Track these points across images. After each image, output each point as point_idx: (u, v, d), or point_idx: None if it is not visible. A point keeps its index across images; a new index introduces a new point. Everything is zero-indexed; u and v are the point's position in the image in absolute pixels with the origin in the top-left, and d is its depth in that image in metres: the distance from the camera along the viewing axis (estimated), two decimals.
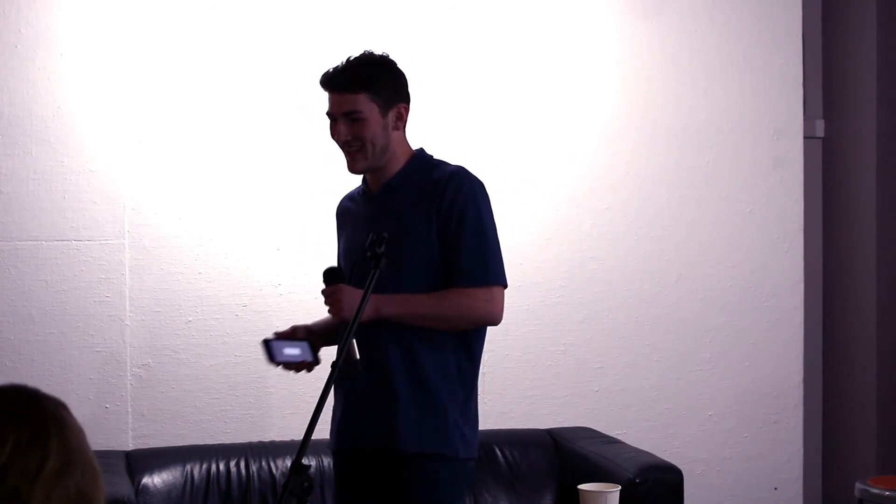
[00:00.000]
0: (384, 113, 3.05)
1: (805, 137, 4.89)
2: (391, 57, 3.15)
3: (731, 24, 4.75)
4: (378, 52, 3.14)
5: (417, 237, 3.01)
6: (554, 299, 4.58)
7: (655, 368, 4.70)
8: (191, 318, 4.26)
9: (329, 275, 3.03)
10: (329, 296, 3.00)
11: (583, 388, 4.63)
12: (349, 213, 3.24)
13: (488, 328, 3.14)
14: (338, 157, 4.39)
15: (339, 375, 2.85)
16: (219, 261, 4.28)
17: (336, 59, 4.35)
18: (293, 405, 4.32)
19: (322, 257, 4.34)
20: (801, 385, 4.85)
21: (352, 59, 3.09)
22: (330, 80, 3.08)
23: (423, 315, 2.99)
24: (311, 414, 2.95)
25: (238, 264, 4.30)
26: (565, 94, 4.60)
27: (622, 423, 4.63)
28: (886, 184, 4.94)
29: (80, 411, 4.18)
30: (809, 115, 5.04)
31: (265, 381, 4.33)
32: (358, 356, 2.90)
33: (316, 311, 4.36)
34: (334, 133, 3.08)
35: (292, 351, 3.01)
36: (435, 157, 3.16)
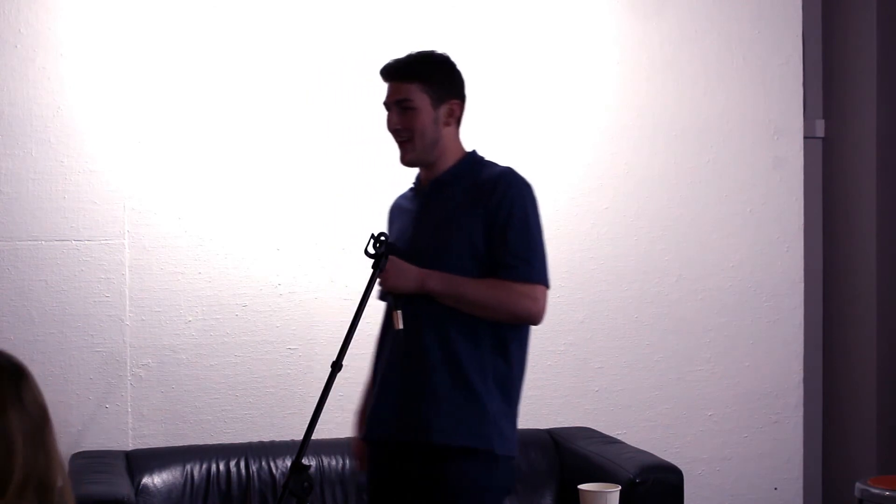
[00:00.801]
0: (435, 106, 3.10)
1: (805, 137, 4.89)
2: (446, 54, 3.21)
3: (731, 24, 4.75)
4: (439, 51, 3.21)
5: (463, 234, 3.04)
6: (554, 299, 4.54)
7: (655, 368, 4.70)
8: (191, 318, 4.26)
9: (377, 242, 3.06)
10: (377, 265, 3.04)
11: (583, 388, 4.63)
12: (400, 210, 3.28)
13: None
14: (338, 157, 4.40)
15: (382, 355, 3.03)
16: (219, 261, 4.28)
17: (335, 60, 4.37)
18: (293, 405, 4.32)
19: (322, 257, 4.36)
20: (801, 385, 4.85)
21: (409, 53, 3.17)
22: (386, 70, 3.15)
23: (465, 297, 3.00)
24: (311, 414, 2.95)
25: (238, 264, 4.30)
26: (565, 94, 4.60)
27: (622, 423, 4.64)
28: (886, 184, 4.94)
29: (80, 411, 4.23)
30: (809, 115, 5.04)
31: (265, 381, 4.33)
32: (401, 327, 2.96)
33: (316, 311, 4.38)
34: (387, 122, 3.14)
35: None
36: (486, 158, 3.19)
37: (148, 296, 4.22)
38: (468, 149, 3.19)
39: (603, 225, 4.64)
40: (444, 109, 3.11)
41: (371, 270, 3.06)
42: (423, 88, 3.08)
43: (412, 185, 3.26)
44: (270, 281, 4.32)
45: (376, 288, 3.09)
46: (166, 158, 4.24)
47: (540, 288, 3.04)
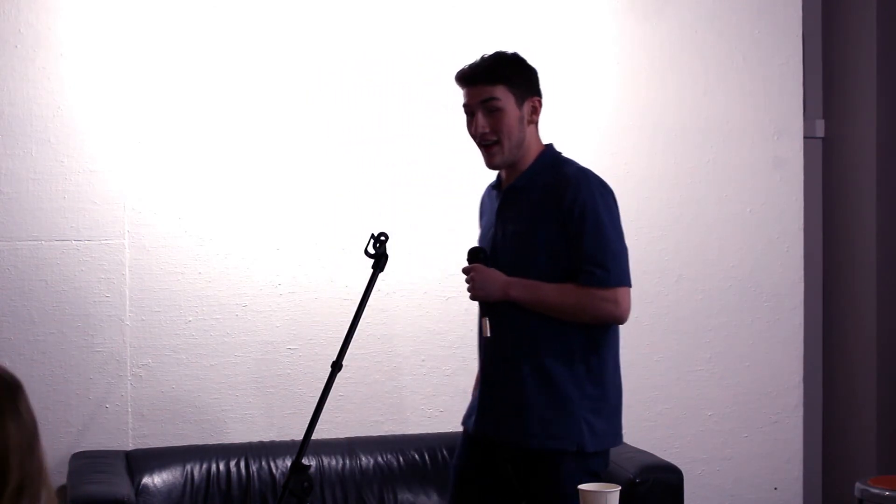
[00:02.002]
0: (520, 104, 3.11)
1: (805, 137, 4.89)
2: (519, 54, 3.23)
3: (731, 24, 4.75)
4: (510, 51, 3.22)
5: (540, 236, 3.07)
6: None
7: (655, 368, 4.70)
8: (191, 318, 4.26)
9: (472, 254, 3.12)
10: (466, 273, 3.09)
11: None
12: (484, 204, 3.33)
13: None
14: (338, 157, 4.40)
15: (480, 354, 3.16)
16: (219, 261, 4.28)
17: (335, 60, 4.37)
18: (293, 405, 4.32)
19: (322, 257, 4.35)
20: (801, 385, 4.85)
21: (485, 55, 3.17)
22: (467, 75, 3.13)
23: (547, 304, 3.05)
24: (311, 414, 2.95)
25: (238, 264, 4.30)
26: (565, 95, 4.60)
27: (622, 423, 4.63)
28: (886, 184, 4.94)
29: (80, 411, 4.22)
30: (809, 115, 5.04)
31: (265, 381, 4.33)
32: (489, 334, 3.03)
33: (316, 311, 4.37)
34: (471, 127, 3.12)
35: None
36: (563, 155, 3.22)
37: (148, 296, 4.22)
38: (545, 141, 3.21)
39: None
40: (527, 107, 3.13)
41: (371, 270, 3.06)
42: (507, 88, 3.09)
43: (495, 181, 3.29)
44: (270, 281, 4.32)
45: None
46: (166, 158, 4.24)
47: (621, 290, 3.07)
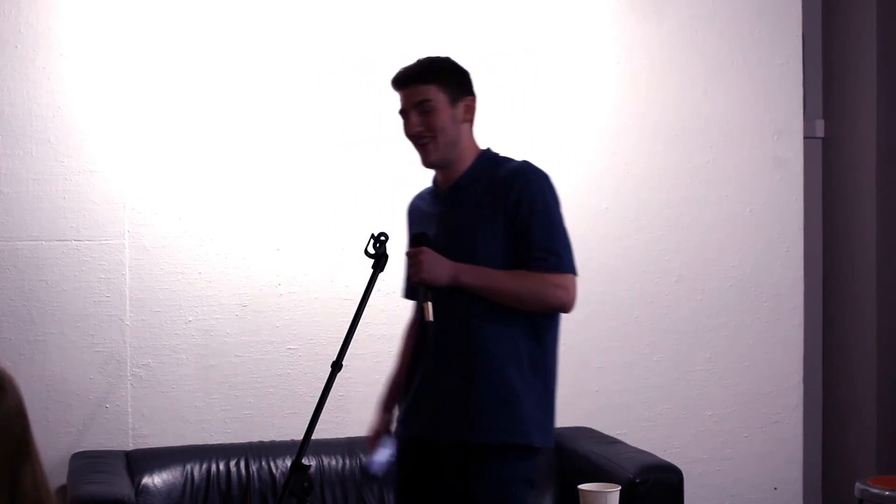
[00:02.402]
0: (453, 104, 3.13)
1: (805, 137, 4.89)
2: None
3: (731, 24, 4.75)
4: (443, 56, 3.24)
5: (487, 233, 3.07)
6: None
7: (655, 368, 4.70)
8: (191, 318, 4.26)
9: (417, 239, 3.10)
10: (412, 257, 3.06)
11: (583, 388, 4.63)
12: (419, 212, 3.29)
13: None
14: (338, 157, 4.40)
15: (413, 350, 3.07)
16: (219, 261, 4.28)
17: (335, 60, 4.38)
18: (293, 405, 4.32)
19: (322, 257, 4.36)
20: (801, 385, 4.85)
21: (418, 59, 3.21)
22: (400, 77, 3.17)
23: (498, 289, 3.04)
24: (311, 414, 2.95)
25: (238, 264, 4.30)
26: (565, 95, 4.60)
27: (622, 423, 4.63)
28: (886, 184, 4.94)
29: (80, 411, 4.22)
30: (809, 115, 5.04)
31: (265, 381, 4.33)
32: (431, 318, 2.97)
33: (316, 311, 4.38)
34: (407, 128, 3.15)
35: (382, 456, 3.20)
36: (501, 155, 3.22)
37: (148, 296, 4.22)
38: (482, 146, 3.21)
39: (603, 225, 4.64)
40: (461, 107, 3.14)
41: (371, 270, 3.06)
42: (440, 88, 3.11)
43: (430, 187, 3.28)
44: (270, 281, 4.32)
45: (403, 283, 3.16)
46: (166, 158, 4.24)
47: (570, 277, 3.09)
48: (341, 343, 2.99)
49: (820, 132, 5.13)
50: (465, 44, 4.49)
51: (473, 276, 3.02)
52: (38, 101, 4.13)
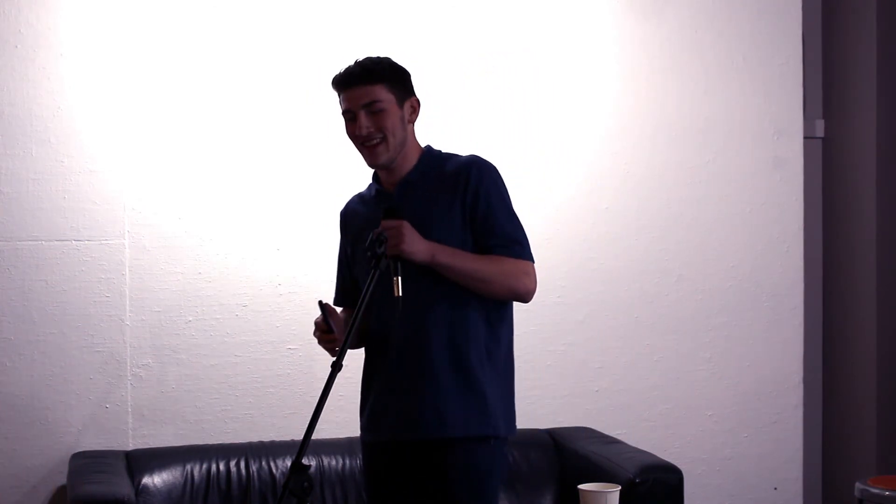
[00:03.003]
0: (400, 104, 3.12)
1: (805, 137, 4.89)
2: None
3: (731, 24, 4.75)
4: (381, 55, 3.20)
5: (443, 226, 3.07)
6: (554, 299, 4.58)
7: (655, 368, 4.70)
8: (191, 318, 4.26)
9: (390, 212, 3.04)
10: (392, 228, 2.99)
11: (583, 388, 4.63)
12: (359, 216, 3.27)
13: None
14: (338, 157, 4.40)
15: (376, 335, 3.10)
16: (219, 261, 4.28)
17: (335, 60, 4.36)
18: (293, 405, 4.32)
19: (322, 257, 4.35)
20: (801, 385, 4.85)
21: (359, 59, 3.17)
22: (346, 78, 3.14)
23: (471, 271, 3.04)
24: (311, 414, 2.95)
25: (238, 264, 4.30)
26: (565, 95, 4.60)
27: (622, 423, 4.63)
28: (886, 184, 4.94)
29: (80, 411, 4.22)
30: (809, 115, 5.04)
31: (265, 381, 4.33)
32: (400, 294, 2.94)
33: (316, 311, 4.36)
34: (353, 130, 3.12)
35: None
36: (444, 151, 3.22)
37: (148, 296, 4.22)
38: (422, 144, 3.21)
39: (603, 225, 4.64)
40: (406, 107, 3.13)
41: (371, 270, 3.05)
42: (388, 88, 3.10)
43: (370, 189, 3.27)
44: (270, 281, 4.32)
45: (336, 288, 3.19)
46: (166, 158, 4.24)
47: (531, 264, 3.12)
48: (341, 343, 2.99)
49: (820, 132, 5.13)
50: (464, 44, 4.50)
51: (449, 255, 3.02)
52: (38, 101, 4.13)
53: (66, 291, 4.16)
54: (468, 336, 3.06)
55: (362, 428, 3.21)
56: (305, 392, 4.30)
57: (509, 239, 3.08)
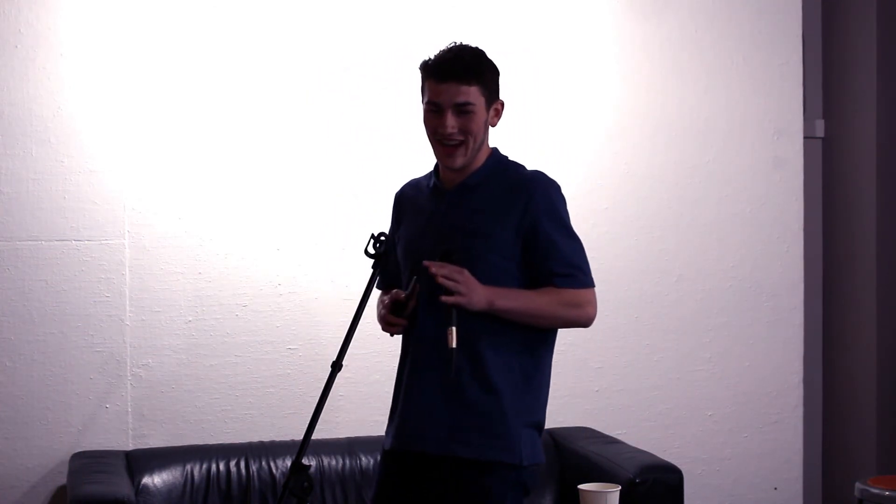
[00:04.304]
0: (488, 108, 3.00)
1: (805, 137, 4.89)
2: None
3: (731, 24, 4.75)
4: (475, 46, 3.05)
5: (492, 239, 2.96)
6: None
7: (655, 368, 4.71)
8: (191, 318, 4.26)
9: (446, 255, 2.93)
10: (452, 278, 2.88)
11: (583, 388, 4.63)
12: (413, 204, 3.15)
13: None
14: (338, 157, 4.40)
15: (416, 367, 2.99)
16: (219, 261, 4.28)
17: (335, 60, 4.37)
18: (293, 405, 4.32)
19: (322, 257, 4.35)
20: (801, 385, 4.85)
21: (457, 48, 3.01)
22: (441, 71, 2.95)
23: (532, 312, 2.95)
24: (311, 414, 2.95)
25: (238, 264, 4.30)
26: (565, 95, 4.60)
27: (622, 423, 4.64)
28: (886, 184, 4.94)
29: (80, 411, 4.22)
30: (809, 115, 5.04)
31: (265, 381, 4.33)
32: (454, 346, 2.86)
33: (316, 311, 4.38)
34: (436, 124, 2.97)
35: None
36: (509, 158, 3.12)
37: (148, 296, 4.22)
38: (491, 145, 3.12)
39: (603, 225, 4.64)
40: (492, 111, 3.02)
41: (371, 270, 3.06)
42: (482, 91, 2.96)
43: (429, 178, 3.14)
44: (270, 281, 4.32)
45: (380, 275, 3.06)
46: (166, 158, 4.24)
47: (593, 291, 3.02)
48: (341, 343, 2.99)
49: (820, 132, 5.13)
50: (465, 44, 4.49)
51: (507, 299, 2.92)
52: (38, 101, 4.13)
53: (66, 291, 4.16)
54: (501, 362, 2.96)
55: (386, 433, 3.14)
56: (305, 392, 4.30)
57: (570, 265, 2.97)
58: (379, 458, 3.20)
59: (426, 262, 2.90)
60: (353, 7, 4.39)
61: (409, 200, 3.17)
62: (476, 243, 2.96)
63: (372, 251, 3.04)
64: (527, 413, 3.00)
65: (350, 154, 4.40)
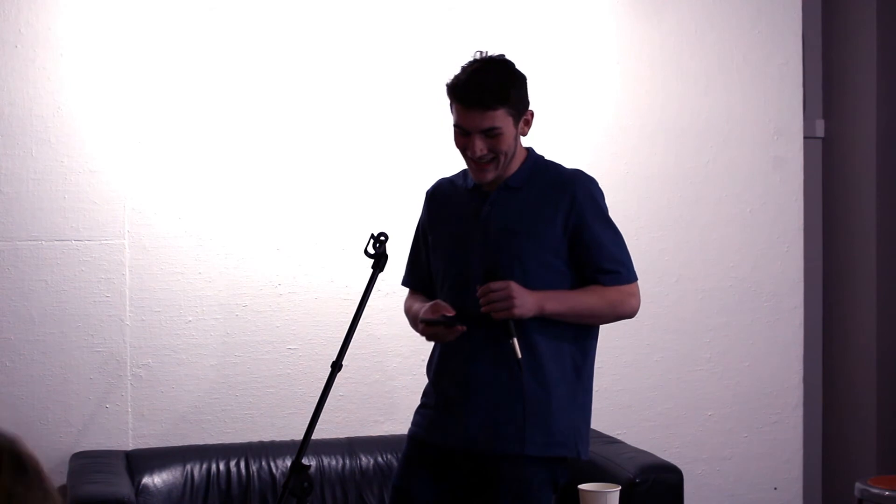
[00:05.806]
0: (517, 123, 3.05)
1: (805, 137, 4.89)
2: (508, 59, 3.12)
3: (731, 24, 4.75)
4: (495, 55, 3.10)
5: (537, 239, 3.02)
6: None
7: (655, 368, 4.71)
8: (191, 318, 4.26)
9: (490, 273, 2.96)
10: (499, 292, 2.93)
11: None
12: (448, 202, 3.18)
13: None
14: (338, 157, 4.40)
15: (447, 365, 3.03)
16: (219, 261, 4.28)
17: (335, 60, 4.37)
18: (293, 405, 4.32)
19: (322, 257, 4.35)
20: (801, 385, 4.85)
21: (480, 66, 3.04)
22: (464, 98, 3.01)
23: (581, 312, 3.02)
24: (311, 414, 2.95)
25: (238, 264, 4.30)
26: (565, 95, 4.60)
27: (622, 423, 4.64)
28: (886, 184, 4.94)
29: (80, 411, 4.22)
30: (809, 115, 5.04)
31: (265, 381, 4.33)
32: (521, 356, 2.92)
33: (316, 311, 4.38)
34: (465, 145, 3.02)
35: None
36: (546, 158, 3.17)
37: (148, 296, 4.22)
38: (525, 146, 3.16)
39: None
40: (521, 122, 3.07)
41: (371, 270, 3.06)
42: (508, 111, 3.01)
43: (463, 178, 3.18)
44: (270, 281, 4.32)
45: (406, 271, 3.14)
46: (166, 158, 4.24)
47: (636, 284, 3.10)
48: (341, 343, 2.99)
49: (820, 132, 5.13)
50: (465, 44, 4.48)
51: (557, 302, 2.98)
52: (38, 101, 4.13)
53: (66, 291, 4.16)
54: (557, 356, 3.02)
55: (417, 426, 3.17)
56: (305, 392, 4.30)
57: (615, 261, 3.03)
58: (406, 443, 3.22)
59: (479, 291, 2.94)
60: (353, 8, 4.39)
61: (444, 197, 3.21)
62: (525, 243, 3.01)
63: (372, 251, 3.04)
64: (579, 408, 3.08)
65: (350, 154, 4.40)
